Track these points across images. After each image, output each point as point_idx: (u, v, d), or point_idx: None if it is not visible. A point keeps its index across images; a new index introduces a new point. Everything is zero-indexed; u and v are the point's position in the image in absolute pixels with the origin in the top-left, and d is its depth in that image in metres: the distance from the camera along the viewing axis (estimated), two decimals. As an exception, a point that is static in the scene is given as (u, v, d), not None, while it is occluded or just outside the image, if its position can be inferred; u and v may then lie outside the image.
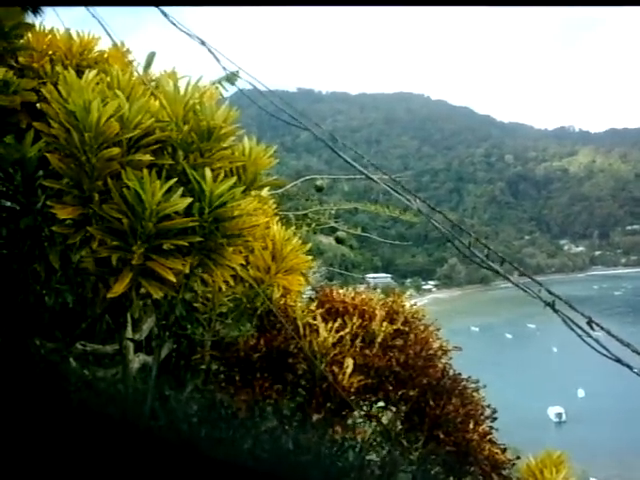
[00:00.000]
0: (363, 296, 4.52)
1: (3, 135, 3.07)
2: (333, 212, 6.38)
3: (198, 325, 5.70)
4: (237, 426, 3.89)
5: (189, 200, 2.88)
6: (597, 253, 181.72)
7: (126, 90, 3.27)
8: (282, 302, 4.08)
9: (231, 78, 7.06)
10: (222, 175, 3.10)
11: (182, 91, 3.22)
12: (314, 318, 4.00)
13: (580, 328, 2.68)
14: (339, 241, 6.63)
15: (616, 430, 70.36)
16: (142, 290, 4.08)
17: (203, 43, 3.35)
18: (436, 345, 4.39)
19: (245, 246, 3.41)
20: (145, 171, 2.79)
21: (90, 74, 3.39)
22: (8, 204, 3.54)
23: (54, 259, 3.26)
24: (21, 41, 3.52)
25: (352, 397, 3.87)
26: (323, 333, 3.91)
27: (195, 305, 4.67)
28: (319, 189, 6.53)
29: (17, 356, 4.34)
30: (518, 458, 4.57)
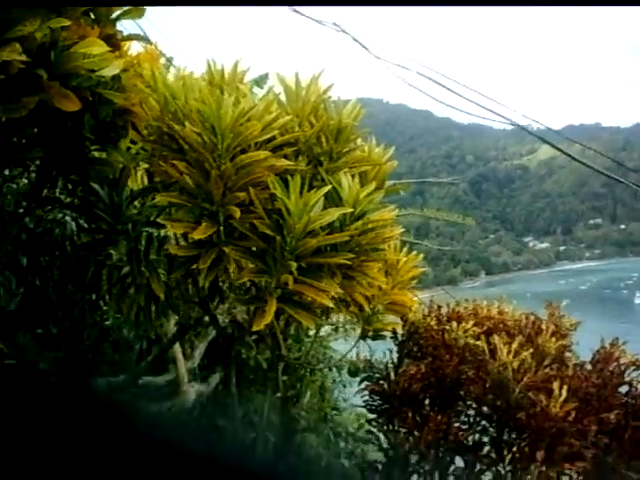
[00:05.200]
0: (506, 310, 4.02)
1: (116, 141, 2.56)
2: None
3: (250, 348, 5.24)
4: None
5: (343, 211, 2.43)
6: (561, 248, 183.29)
7: (232, 87, 2.82)
8: (424, 322, 3.59)
9: (260, 82, 6.60)
10: (356, 181, 2.65)
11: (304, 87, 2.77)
12: (478, 338, 3.48)
13: None
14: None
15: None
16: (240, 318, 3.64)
17: (344, 31, 2.87)
18: (626, 360, 3.80)
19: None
20: (296, 178, 2.33)
21: (180, 71, 2.98)
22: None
23: (158, 288, 2.75)
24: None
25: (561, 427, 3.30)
26: (504, 356, 3.40)
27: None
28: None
29: (78, 397, 3.85)
30: None
